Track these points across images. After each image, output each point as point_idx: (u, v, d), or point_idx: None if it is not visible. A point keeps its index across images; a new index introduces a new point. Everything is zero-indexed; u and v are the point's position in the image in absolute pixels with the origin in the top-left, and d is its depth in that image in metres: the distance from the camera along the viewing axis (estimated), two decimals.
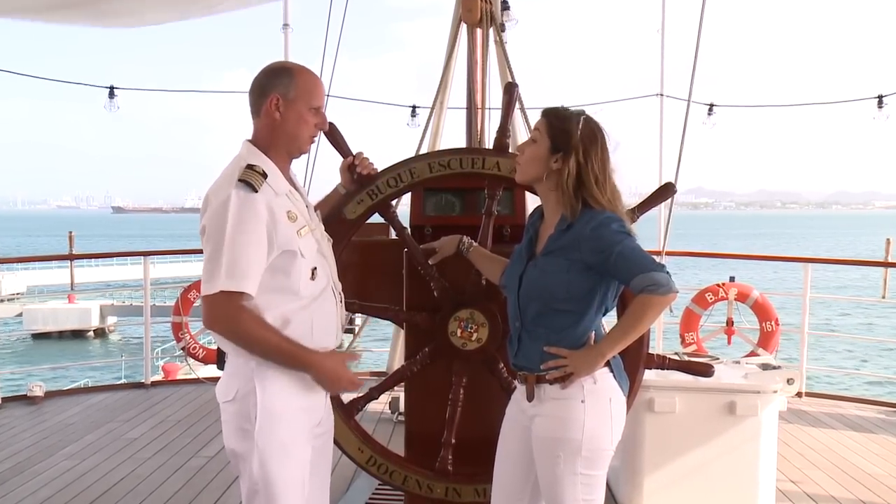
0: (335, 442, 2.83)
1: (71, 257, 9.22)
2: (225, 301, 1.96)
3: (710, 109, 7.79)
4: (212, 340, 7.68)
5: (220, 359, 2.23)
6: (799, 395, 5.88)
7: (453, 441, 2.91)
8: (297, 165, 2.27)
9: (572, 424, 2.09)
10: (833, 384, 16.82)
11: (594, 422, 2.10)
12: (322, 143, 2.50)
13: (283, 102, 2.10)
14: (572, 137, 2.09)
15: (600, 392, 2.12)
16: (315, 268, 2.11)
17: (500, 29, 5.35)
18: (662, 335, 6.85)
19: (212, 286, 1.96)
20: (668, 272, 2.03)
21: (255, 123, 2.14)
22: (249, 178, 1.99)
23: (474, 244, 2.64)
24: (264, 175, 2.02)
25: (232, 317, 1.97)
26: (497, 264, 2.52)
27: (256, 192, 1.98)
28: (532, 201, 2.98)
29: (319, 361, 2.08)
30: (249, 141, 2.14)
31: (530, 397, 2.16)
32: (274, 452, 2.04)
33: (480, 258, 2.61)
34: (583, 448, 2.08)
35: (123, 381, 10.62)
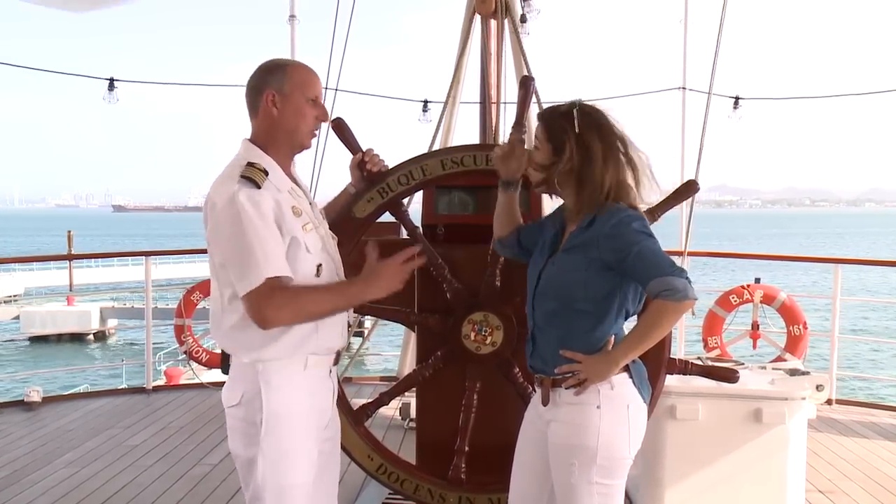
0: (343, 449, 2.86)
1: (70, 257, 9.31)
2: (273, 290, 1.97)
3: (736, 103, 7.75)
4: (215, 344, 7.72)
5: (224, 362, 2.24)
6: (829, 402, 5.84)
7: (466, 448, 2.92)
8: (305, 164, 2.29)
9: (587, 431, 2.09)
10: (866, 390, 16.71)
11: (610, 428, 2.10)
12: (331, 140, 2.52)
13: (280, 97, 2.14)
14: (570, 132, 2.10)
15: (617, 398, 2.12)
16: (320, 264, 2.14)
17: (522, 20, 5.35)
18: (684, 339, 6.83)
19: (256, 278, 1.96)
20: (687, 277, 2.01)
21: (254, 123, 2.18)
22: (252, 175, 2.03)
23: (518, 192, 2.43)
24: (265, 172, 2.07)
25: (287, 300, 1.99)
26: (514, 222, 2.42)
27: (260, 188, 2.03)
28: (548, 199, 2.99)
29: (369, 290, 2.11)
30: (248, 140, 2.18)
31: (545, 401, 2.17)
32: (280, 457, 2.06)
33: (510, 206, 2.42)
34: (598, 456, 2.08)
35: (124, 385, 10.70)
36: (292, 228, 2.06)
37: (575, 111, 2.11)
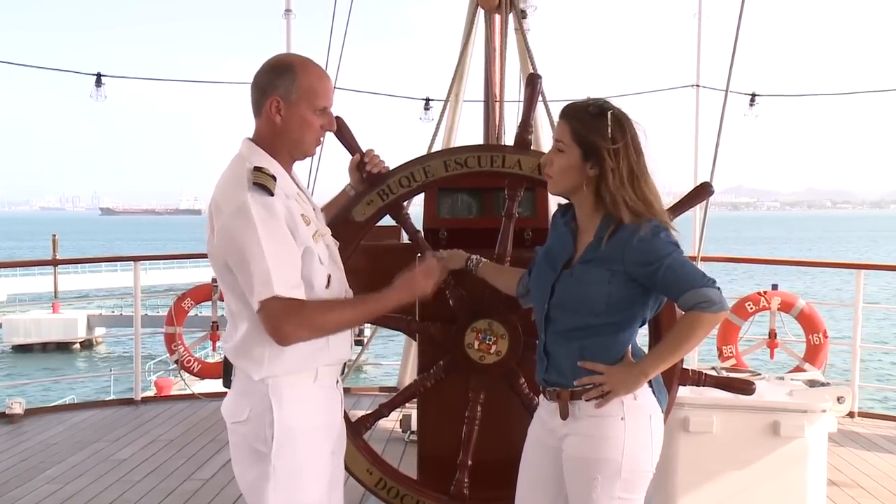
0: None
1: (55, 262, 9.32)
2: (288, 308, 1.96)
3: (752, 100, 7.76)
4: (208, 353, 7.74)
5: (226, 375, 2.24)
6: (851, 415, 5.83)
7: (470, 462, 2.92)
8: (301, 165, 2.29)
9: (611, 444, 2.10)
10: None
11: (635, 441, 2.11)
12: (329, 140, 2.52)
13: (285, 105, 2.09)
14: (604, 139, 2.08)
15: (641, 409, 2.13)
16: (330, 275, 2.15)
17: (521, 16, 5.36)
18: (698, 348, 6.82)
19: (267, 292, 1.94)
20: (718, 287, 2.04)
21: (257, 123, 2.15)
22: (264, 182, 2.00)
23: (483, 261, 2.63)
24: (274, 178, 2.03)
25: (305, 319, 1.99)
26: (511, 275, 2.54)
27: (273, 195, 2.00)
28: (555, 202, 2.99)
29: (397, 298, 2.18)
30: (251, 139, 2.15)
31: (564, 415, 2.16)
32: (293, 474, 2.06)
33: (491, 272, 2.62)
34: (623, 469, 2.09)
35: (112, 397, 10.72)
36: (305, 239, 2.06)
37: (609, 116, 2.09)
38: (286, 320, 1.97)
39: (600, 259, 2.11)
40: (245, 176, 2.01)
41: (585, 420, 2.14)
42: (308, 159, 2.34)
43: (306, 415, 2.09)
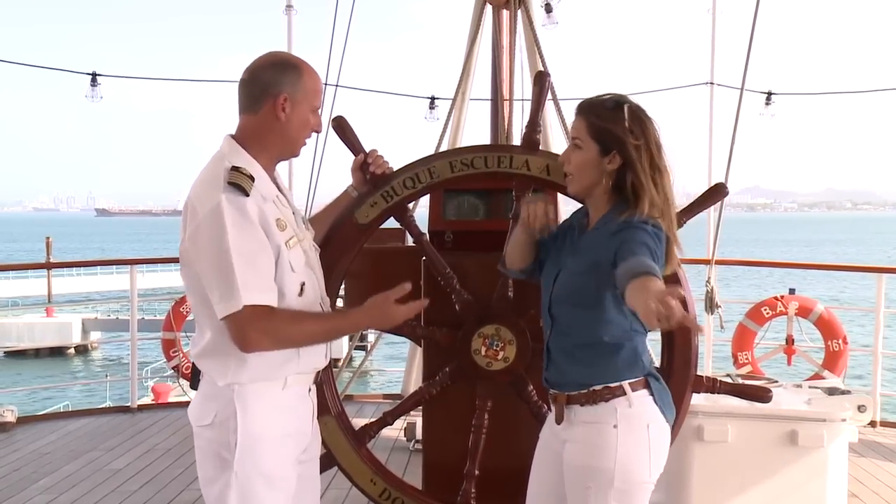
0: (344, 473, 2.87)
1: (49, 266, 9.35)
2: (255, 315, 1.98)
3: (769, 98, 7.77)
4: None
5: (194, 377, 2.25)
6: (872, 424, 5.79)
7: (477, 472, 2.92)
8: (303, 166, 2.31)
9: (604, 452, 2.10)
10: None
11: (628, 449, 2.10)
12: (331, 139, 2.53)
13: (290, 104, 2.13)
14: (623, 132, 2.08)
15: (636, 417, 2.13)
16: (304, 283, 2.15)
17: (547, 10, 5.37)
18: (712, 354, 6.81)
19: (234, 304, 1.97)
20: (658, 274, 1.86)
21: (247, 120, 2.16)
22: (240, 182, 2.01)
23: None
24: (251, 178, 2.05)
25: (271, 329, 2.01)
26: (535, 251, 2.40)
27: (248, 196, 2.02)
28: (563, 203, 2.99)
29: (366, 319, 2.22)
30: (233, 137, 2.17)
31: (559, 419, 2.18)
32: (256, 483, 2.08)
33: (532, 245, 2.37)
34: (615, 479, 2.08)
35: (107, 404, 10.74)
36: (276, 246, 2.07)
37: (626, 109, 2.10)
38: (252, 327, 1.99)
39: (586, 248, 2.13)
40: (222, 175, 2.03)
41: (580, 426, 2.15)
42: (310, 160, 2.35)
43: (272, 423, 2.10)
